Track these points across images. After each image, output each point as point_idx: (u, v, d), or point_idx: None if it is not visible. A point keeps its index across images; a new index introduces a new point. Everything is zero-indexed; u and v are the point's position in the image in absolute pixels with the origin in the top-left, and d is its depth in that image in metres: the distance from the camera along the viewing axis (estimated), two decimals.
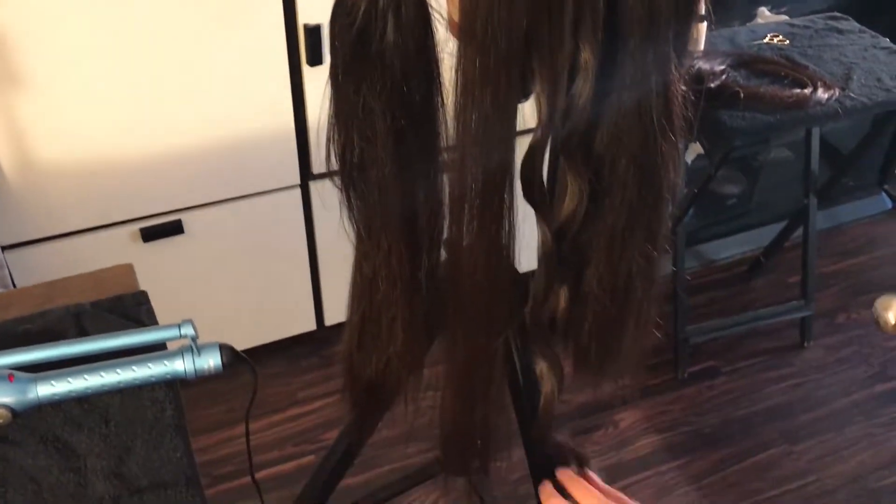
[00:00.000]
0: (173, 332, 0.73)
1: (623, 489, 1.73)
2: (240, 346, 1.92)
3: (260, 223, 1.71)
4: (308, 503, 0.98)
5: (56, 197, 1.49)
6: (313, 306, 1.88)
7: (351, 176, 0.76)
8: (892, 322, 0.60)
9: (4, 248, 1.49)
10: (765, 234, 2.16)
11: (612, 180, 0.67)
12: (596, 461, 1.74)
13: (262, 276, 1.78)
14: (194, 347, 0.73)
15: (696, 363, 1.93)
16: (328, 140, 0.76)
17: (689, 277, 2.00)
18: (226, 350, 0.75)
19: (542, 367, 0.86)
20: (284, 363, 1.89)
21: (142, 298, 0.82)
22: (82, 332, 0.78)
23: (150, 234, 1.60)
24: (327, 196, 1.71)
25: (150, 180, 1.54)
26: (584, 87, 0.60)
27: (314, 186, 1.71)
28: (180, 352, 0.73)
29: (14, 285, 1.50)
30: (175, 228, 1.62)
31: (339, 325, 1.92)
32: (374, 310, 0.83)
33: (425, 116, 0.72)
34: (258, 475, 1.65)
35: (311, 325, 1.90)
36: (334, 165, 0.77)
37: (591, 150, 0.64)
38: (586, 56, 0.59)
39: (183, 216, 1.62)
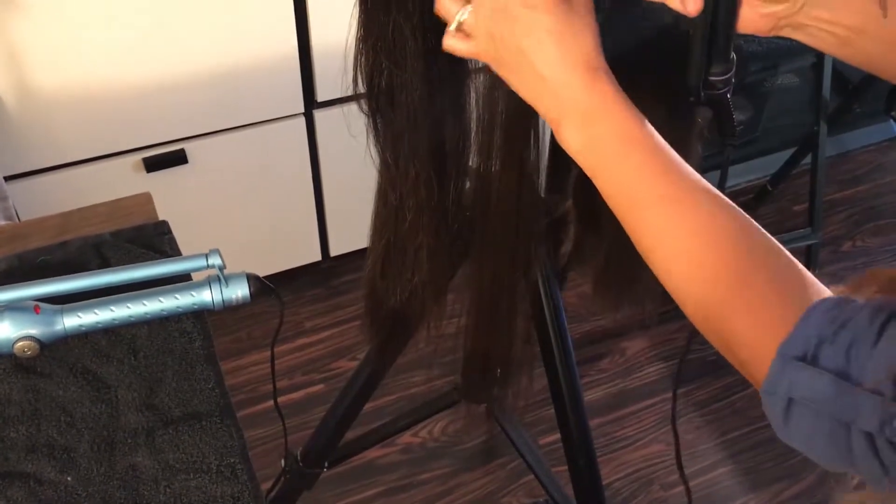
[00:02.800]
0: (200, 263, 0.71)
1: (629, 416, 1.76)
2: None
3: (264, 153, 1.68)
4: (332, 429, 0.99)
5: (57, 126, 1.45)
6: (318, 237, 1.87)
7: (378, 101, 0.74)
8: None
9: (7, 179, 1.46)
10: (771, 162, 2.14)
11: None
12: (602, 388, 1.76)
13: (267, 207, 1.76)
14: (221, 277, 0.72)
15: None
16: (355, 65, 0.74)
17: None
18: (253, 280, 0.74)
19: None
20: (290, 293, 1.89)
21: (164, 228, 0.80)
22: (104, 263, 0.77)
23: (153, 164, 1.58)
24: (332, 124, 1.68)
25: (151, 109, 1.51)
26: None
27: (318, 115, 1.68)
28: (207, 282, 0.72)
29: (17, 216, 1.48)
30: (178, 158, 1.59)
31: (345, 256, 1.92)
32: (400, 238, 0.82)
33: None
34: (268, 403, 1.66)
35: (316, 256, 1.89)
36: (361, 89, 0.75)
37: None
38: None
39: (186, 146, 1.59)
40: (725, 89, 0.64)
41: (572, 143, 0.57)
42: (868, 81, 2.03)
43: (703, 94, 0.63)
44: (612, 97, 0.56)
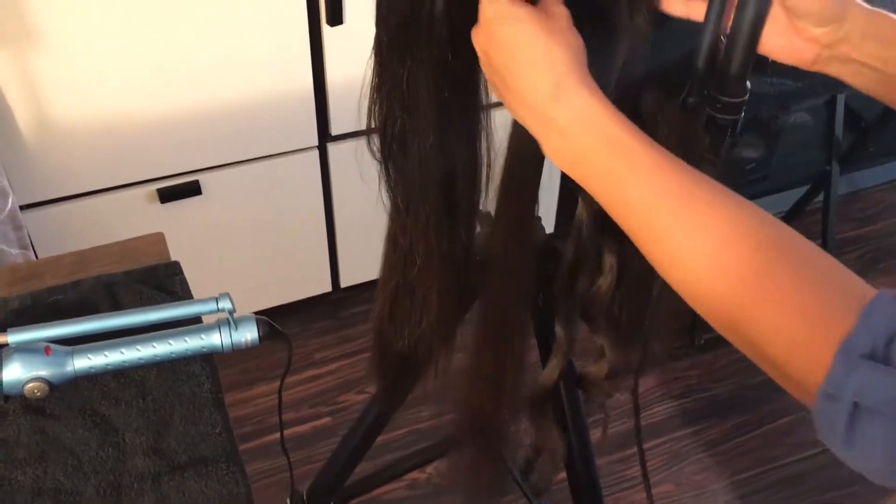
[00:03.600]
0: (210, 306, 0.72)
1: (637, 456, 1.74)
2: (255, 307, 1.92)
3: (277, 185, 1.69)
4: (338, 469, 0.99)
5: (73, 156, 1.47)
6: (329, 268, 1.87)
7: (391, 148, 0.75)
8: None
9: (22, 208, 1.48)
10: (784, 199, 2.14)
11: None
12: (610, 426, 1.75)
13: (279, 238, 1.77)
14: (231, 321, 0.72)
15: (713, 329, 1.92)
16: (369, 113, 0.75)
17: None
18: (262, 324, 0.74)
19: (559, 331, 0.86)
20: (300, 325, 1.89)
21: (175, 269, 0.81)
22: (115, 303, 0.77)
23: (167, 195, 1.59)
24: (345, 157, 1.69)
25: (167, 140, 1.52)
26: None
27: (332, 148, 1.69)
28: (217, 325, 0.72)
29: (32, 245, 1.49)
30: (192, 189, 1.60)
31: (355, 287, 1.92)
32: (409, 283, 0.82)
33: (470, 87, 0.71)
34: (274, 436, 1.66)
35: (326, 287, 1.90)
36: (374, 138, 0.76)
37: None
38: None
39: (200, 177, 1.60)
40: (733, 118, 0.59)
41: (559, 157, 0.57)
42: (881, 120, 2.03)
43: (708, 114, 0.59)
44: (594, 106, 0.55)
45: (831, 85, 1.52)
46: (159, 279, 0.79)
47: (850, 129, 2.10)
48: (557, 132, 0.56)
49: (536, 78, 0.56)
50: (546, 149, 0.57)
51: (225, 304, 0.72)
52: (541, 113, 0.56)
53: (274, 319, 1.95)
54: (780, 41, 0.60)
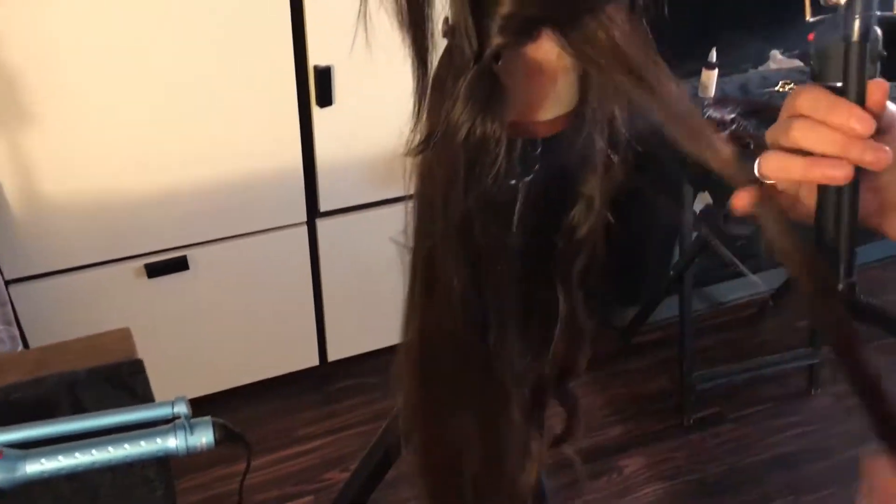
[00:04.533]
0: (166, 411, 0.72)
1: None
2: (240, 381, 1.91)
3: (265, 260, 1.70)
4: None
5: (62, 231, 1.49)
6: (317, 342, 1.87)
7: None
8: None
9: (9, 283, 1.49)
10: (774, 277, 2.14)
11: None
12: None
13: (266, 312, 1.78)
14: (187, 425, 0.72)
15: (702, 409, 1.91)
16: None
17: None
18: (219, 427, 0.74)
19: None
20: (285, 400, 1.88)
21: (138, 367, 0.81)
22: (76, 402, 0.77)
23: (154, 270, 1.60)
24: (334, 232, 1.70)
25: (156, 216, 1.54)
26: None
27: (321, 223, 1.71)
28: (173, 429, 0.72)
29: (17, 320, 1.50)
30: (180, 264, 1.62)
31: (342, 361, 1.92)
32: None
33: None
34: None
35: (313, 361, 1.89)
36: None
37: None
38: None
39: (188, 252, 1.62)
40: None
41: None
42: None
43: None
44: None
45: None
46: (122, 378, 0.79)
47: None
48: None
49: None
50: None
51: (180, 409, 0.72)
52: None
53: (259, 394, 1.94)
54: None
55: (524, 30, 0.52)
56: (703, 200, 1.93)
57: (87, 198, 1.48)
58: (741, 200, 0.54)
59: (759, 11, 1.94)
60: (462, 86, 0.53)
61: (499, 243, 0.62)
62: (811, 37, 0.55)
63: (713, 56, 1.65)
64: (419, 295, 0.64)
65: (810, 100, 0.51)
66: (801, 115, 0.52)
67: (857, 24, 0.51)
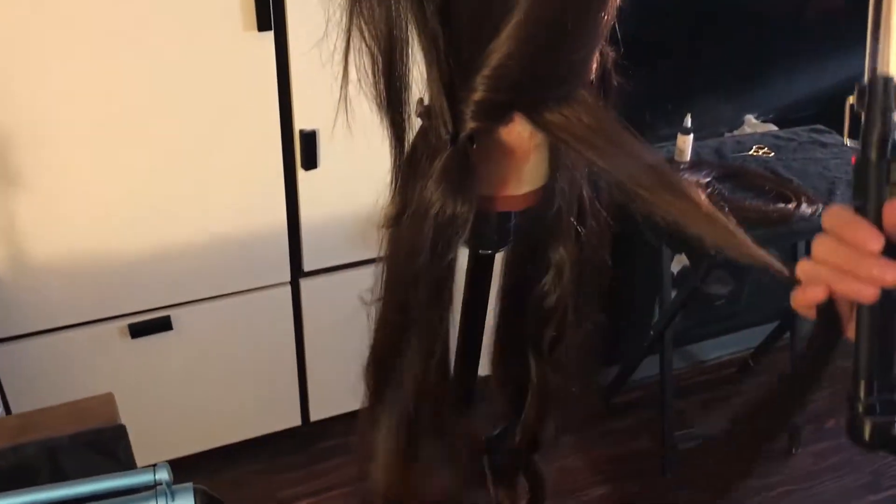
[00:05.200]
0: (147, 478, 0.72)
1: None
2: (223, 441, 1.89)
3: (249, 319, 1.71)
4: None
5: (45, 291, 1.50)
6: (299, 402, 1.87)
7: None
8: None
9: None
10: (755, 335, 2.16)
11: None
12: None
13: (249, 372, 1.78)
14: (168, 492, 0.73)
15: (684, 468, 1.91)
16: None
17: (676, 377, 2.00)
18: (200, 493, 0.75)
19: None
20: (267, 460, 1.87)
21: (121, 432, 0.82)
22: (57, 469, 0.78)
23: (138, 331, 1.61)
24: (317, 292, 1.72)
25: (141, 276, 1.55)
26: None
27: (304, 283, 1.72)
28: (154, 496, 0.73)
29: (0, 381, 1.50)
30: (163, 325, 1.62)
31: (325, 421, 1.91)
32: None
33: None
34: None
35: (296, 421, 1.89)
36: None
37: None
38: None
39: (172, 312, 1.63)
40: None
41: None
42: None
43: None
44: None
45: (789, 234, 1.58)
46: (104, 444, 0.80)
47: None
48: None
49: None
50: None
51: (162, 476, 0.72)
52: None
53: (241, 454, 1.93)
54: None
55: (497, 114, 0.55)
56: (679, 262, 1.96)
57: (72, 258, 1.49)
58: (799, 301, 0.55)
59: (733, 76, 2.01)
60: (437, 166, 0.55)
61: (468, 312, 0.64)
62: (854, 159, 0.56)
63: (688, 121, 1.70)
64: (384, 357, 0.66)
65: (832, 216, 0.53)
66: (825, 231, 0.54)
67: (874, 142, 0.52)
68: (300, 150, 1.54)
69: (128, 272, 1.54)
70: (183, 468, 0.73)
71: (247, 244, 1.61)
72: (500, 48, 0.52)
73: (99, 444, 0.80)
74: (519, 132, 0.58)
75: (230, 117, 1.46)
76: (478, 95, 0.53)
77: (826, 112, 2.05)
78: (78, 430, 0.81)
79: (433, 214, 0.55)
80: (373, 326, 0.68)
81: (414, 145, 0.59)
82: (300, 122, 1.52)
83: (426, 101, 0.57)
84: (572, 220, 0.66)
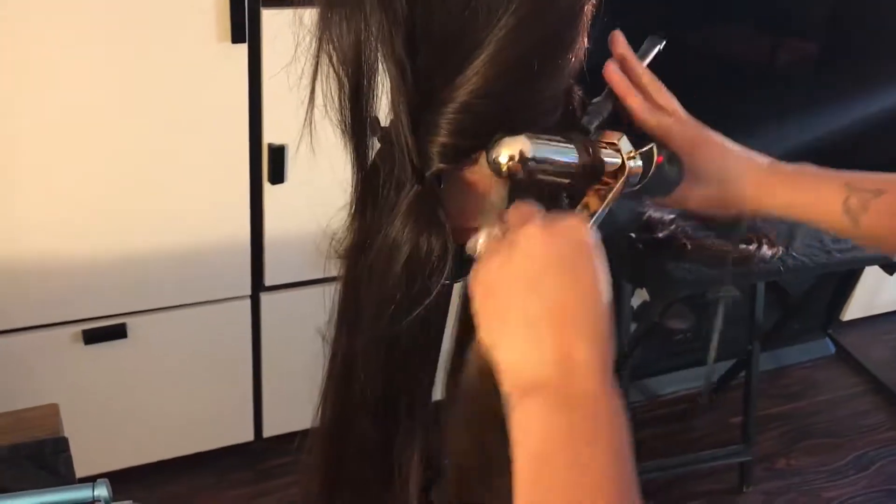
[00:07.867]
0: (86, 494, 0.71)
1: None
2: (172, 453, 1.86)
3: (206, 331, 1.69)
4: None
5: None
6: (252, 417, 1.85)
7: None
8: (504, 161, 0.52)
9: None
10: (711, 371, 2.18)
11: None
12: None
13: (203, 384, 1.75)
14: None
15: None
16: None
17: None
18: None
19: None
20: (217, 475, 1.84)
21: (62, 445, 0.80)
22: None
23: (92, 337, 1.58)
24: (278, 307, 1.70)
25: (97, 282, 1.53)
26: None
27: (265, 297, 1.71)
28: None
29: None
30: (118, 332, 1.60)
31: (277, 438, 1.89)
32: None
33: None
34: None
35: (248, 436, 1.86)
36: None
37: None
38: None
39: (128, 320, 1.60)
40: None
41: (534, 423, 0.48)
42: (807, 299, 2.10)
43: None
44: (607, 385, 0.49)
45: (748, 275, 1.60)
46: (45, 456, 0.78)
47: (778, 306, 2.18)
48: (560, 396, 0.48)
49: (566, 317, 0.50)
50: (523, 403, 0.49)
51: (101, 492, 0.71)
52: (546, 362, 0.49)
53: (191, 468, 1.90)
54: None
55: (462, 156, 0.55)
56: (640, 297, 1.98)
57: (26, 260, 1.46)
58: None
59: (703, 120, 2.03)
60: (403, 203, 0.55)
61: (423, 354, 0.63)
62: None
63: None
64: (334, 390, 0.65)
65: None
66: None
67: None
68: (268, 164, 1.53)
69: (82, 277, 1.51)
70: (129, 480, 0.72)
71: (209, 255, 1.59)
72: (467, 83, 0.52)
73: (39, 456, 0.78)
74: (483, 169, 0.58)
75: (199, 127, 1.45)
76: (442, 139, 0.53)
77: (791, 158, 2.08)
78: (18, 441, 0.79)
79: (405, 256, 0.55)
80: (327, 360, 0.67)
81: (374, 167, 0.59)
82: (269, 136, 1.51)
83: (384, 123, 0.57)
84: None
